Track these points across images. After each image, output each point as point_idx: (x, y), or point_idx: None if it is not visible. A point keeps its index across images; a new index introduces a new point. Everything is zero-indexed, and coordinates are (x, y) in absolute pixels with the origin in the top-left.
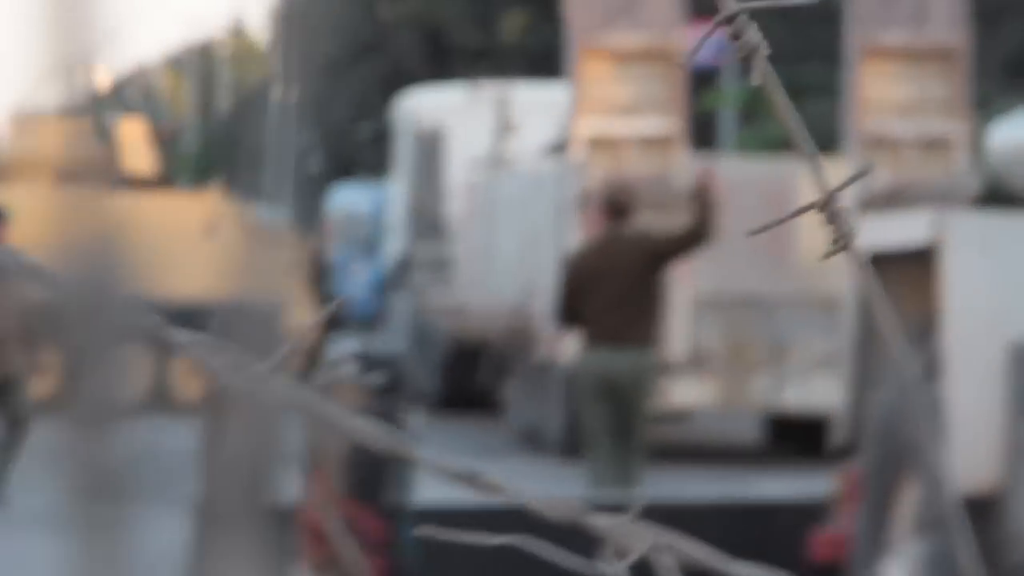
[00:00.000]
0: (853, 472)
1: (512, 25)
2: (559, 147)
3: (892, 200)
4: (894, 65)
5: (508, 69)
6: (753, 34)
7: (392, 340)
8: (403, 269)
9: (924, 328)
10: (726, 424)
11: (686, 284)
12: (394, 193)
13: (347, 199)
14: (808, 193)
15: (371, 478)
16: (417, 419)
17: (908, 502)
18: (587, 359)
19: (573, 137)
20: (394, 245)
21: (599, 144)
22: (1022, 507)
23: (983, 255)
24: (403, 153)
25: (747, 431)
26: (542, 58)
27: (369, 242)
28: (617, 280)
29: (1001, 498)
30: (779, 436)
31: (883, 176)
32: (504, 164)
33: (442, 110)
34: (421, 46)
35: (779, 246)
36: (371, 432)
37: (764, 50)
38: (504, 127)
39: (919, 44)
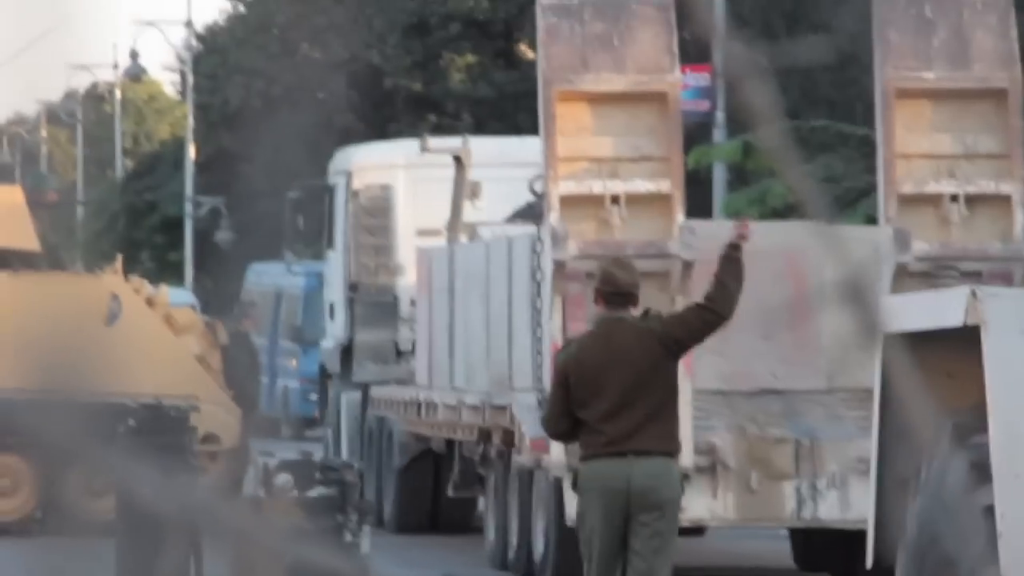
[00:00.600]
0: None
1: (458, 70)
2: (530, 210)
3: (938, 273)
4: (933, 110)
5: (457, 119)
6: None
7: (335, 443)
8: (345, 357)
9: (968, 424)
10: (746, 541)
11: (690, 374)
12: (333, 268)
13: (269, 276)
14: (831, 264)
15: None
16: (367, 537)
17: None
18: (592, 472)
19: (547, 198)
20: (334, 329)
21: (578, 205)
22: None
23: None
24: (342, 220)
25: (771, 548)
26: (493, 106)
27: (299, 327)
28: (628, 378)
29: None
30: (810, 554)
31: (925, 243)
32: (465, 232)
33: (389, 169)
34: (356, 94)
35: (802, 327)
36: (313, 555)
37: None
38: (463, 188)
39: (962, 84)
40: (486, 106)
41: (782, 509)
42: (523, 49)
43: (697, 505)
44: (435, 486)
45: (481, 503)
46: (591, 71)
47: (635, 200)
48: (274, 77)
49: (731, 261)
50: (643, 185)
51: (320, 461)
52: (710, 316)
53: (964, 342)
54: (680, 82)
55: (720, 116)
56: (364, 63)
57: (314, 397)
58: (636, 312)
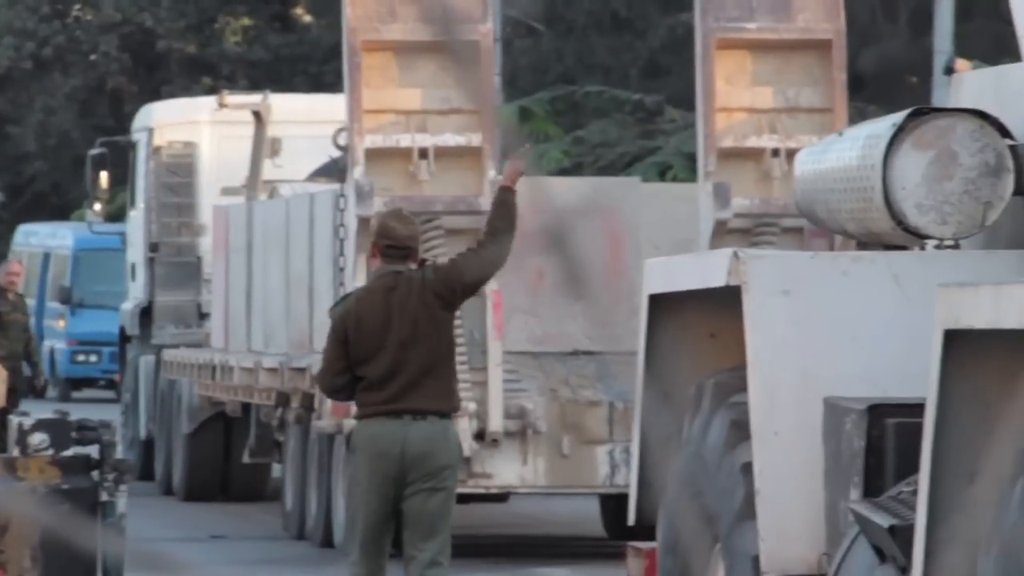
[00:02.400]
0: (648, 551)
1: (233, 32)
2: (332, 168)
3: (758, 230)
4: (754, 62)
5: (232, 81)
6: None
7: (133, 409)
8: (144, 320)
9: (728, 383)
10: (558, 506)
11: (500, 335)
12: (134, 227)
13: (37, 238)
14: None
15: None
16: (124, 497)
17: None
18: (366, 433)
19: (352, 152)
20: (135, 291)
21: (385, 159)
22: None
23: (788, 300)
24: (143, 178)
25: (583, 513)
26: (268, 69)
27: (67, 288)
28: (405, 333)
29: None
30: (621, 521)
31: (745, 199)
32: (264, 190)
33: (193, 125)
34: (129, 56)
35: (617, 287)
36: (60, 517)
37: None
38: (263, 145)
39: (785, 35)
40: (261, 69)
41: (595, 475)
42: (299, 13)
43: (506, 471)
44: (226, 452)
45: (277, 470)
46: (398, 20)
47: (444, 154)
48: (45, 38)
49: (502, 204)
50: (453, 138)
51: (77, 420)
52: (481, 261)
53: (727, 303)
54: (492, 32)
55: (497, 80)
56: (137, 25)
57: (81, 359)
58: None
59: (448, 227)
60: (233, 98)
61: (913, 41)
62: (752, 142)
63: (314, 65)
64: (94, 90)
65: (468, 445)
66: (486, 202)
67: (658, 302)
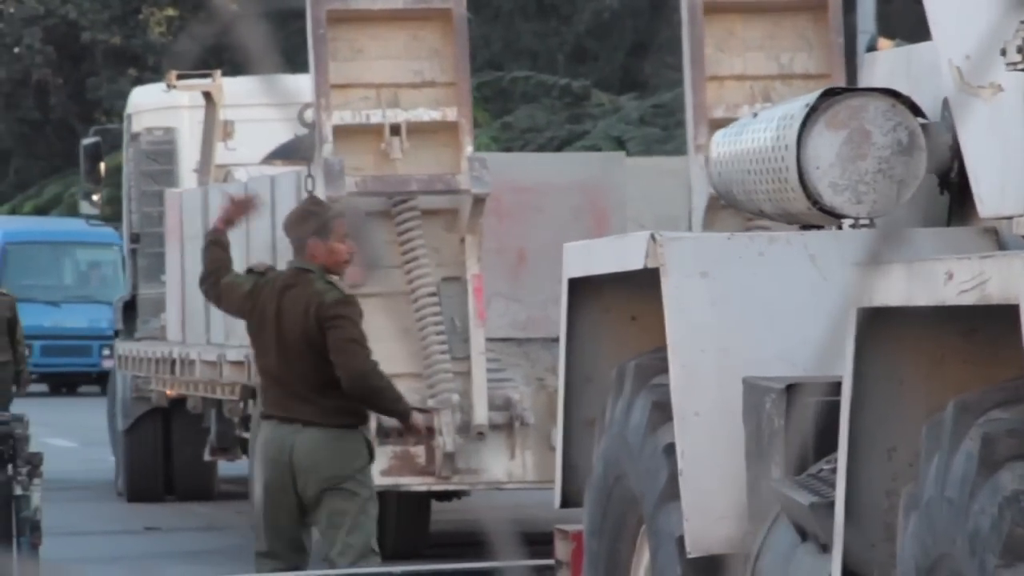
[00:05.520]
0: (575, 533)
1: (158, 23)
2: (290, 149)
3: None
4: (745, 26)
5: (157, 72)
6: None
7: (112, 406)
8: (128, 313)
9: (650, 365)
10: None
11: (483, 321)
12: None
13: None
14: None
15: None
16: (38, 490)
17: (638, 566)
18: (262, 437)
19: (319, 129)
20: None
21: (354, 137)
22: (764, 567)
23: (706, 281)
24: (129, 168)
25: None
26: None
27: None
28: (285, 339)
29: (741, 558)
30: None
31: None
32: (217, 175)
33: (174, 111)
34: (53, 48)
35: None
36: None
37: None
38: (215, 128)
39: None
40: (183, 59)
41: None
42: (223, 2)
43: (493, 466)
44: (166, 449)
45: (223, 467)
46: None
47: (418, 130)
48: None
49: (206, 247)
50: (427, 113)
51: None
52: (353, 372)
53: (646, 285)
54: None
55: None
56: (61, 17)
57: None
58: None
59: (424, 208)
60: (183, 80)
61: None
62: (745, 112)
63: (235, 53)
64: (19, 83)
65: (452, 440)
66: (464, 180)
67: (579, 286)
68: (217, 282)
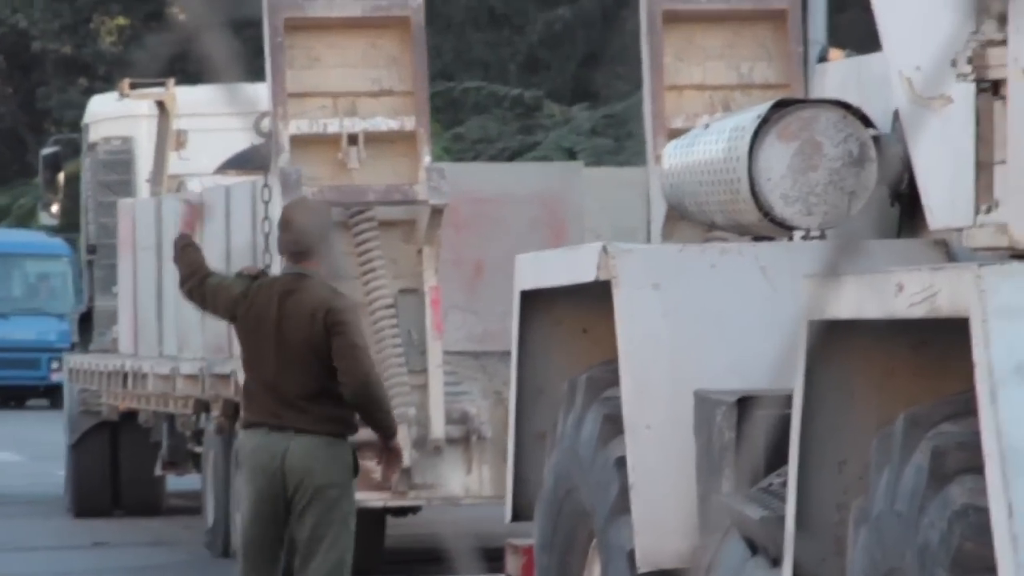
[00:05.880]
0: (526, 548)
1: (108, 32)
2: (243, 159)
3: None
4: (705, 36)
5: (108, 82)
6: None
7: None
8: (84, 325)
9: (601, 378)
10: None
11: (440, 334)
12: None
13: None
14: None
15: None
16: None
17: None
18: (249, 445)
19: (276, 139)
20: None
21: (311, 146)
22: None
23: (658, 293)
24: (86, 178)
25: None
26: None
27: None
28: (286, 346)
29: (692, 572)
30: None
31: None
32: (170, 185)
33: (132, 120)
34: (3, 58)
35: None
36: None
37: None
38: (167, 137)
39: (737, 5)
40: (139, 69)
41: None
42: (175, 12)
43: (450, 480)
44: (113, 464)
45: (174, 481)
46: None
47: (376, 139)
48: None
49: (180, 250)
50: (384, 123)
51: None
52: (359, 382)
53: (598, 297)
54: (423, 6)
55: None
56: (11, 27)
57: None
58: (318, 268)
59: (381, 218)
60: (136, 89)
61: None
62: (705, 122)
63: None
64: None
65: (408, 454)
66: (422, 190)
67: (530, 298)
68: (202, 283)
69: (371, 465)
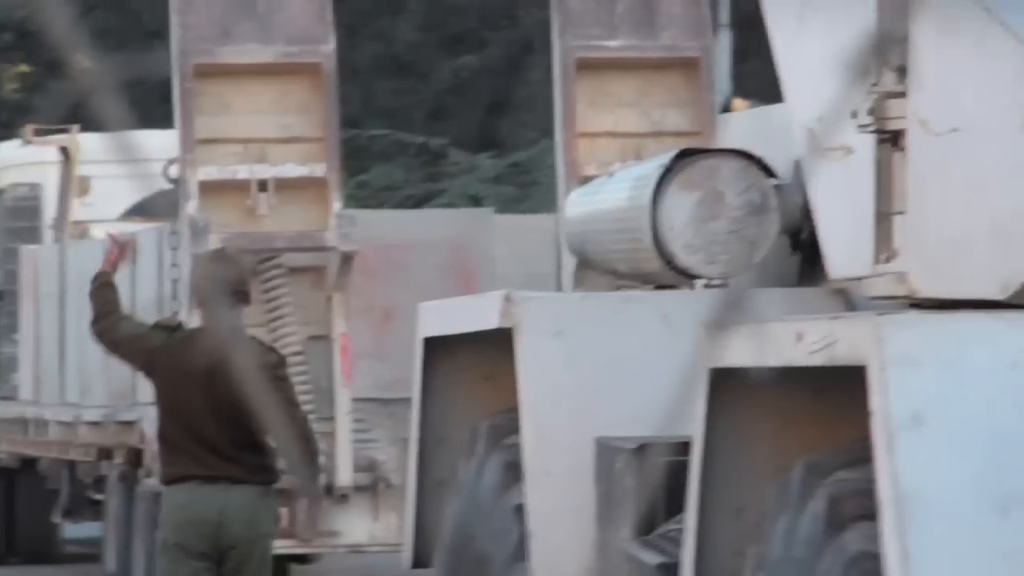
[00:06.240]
0: None
1: (10, 79)
2: (148, 206)
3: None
4: (617, 83)
5: (11, 128)
6: None
7: None
8: None
9: (502, 425)
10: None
11: (349, 381)
12: None
13: None
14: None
15: None
16: None
17: None
18: (179, 499)
19: (185, 185)
20: None
21: (220, 192)
22: None
23: (560, 341)
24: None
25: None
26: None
27: None
28: (218, 397)
29: None
30: None
31: None
32: (73, 231)
33: (39, 166)
34: None
35: None
36: None
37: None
38: (70, 184)
39: (649, 53)
40: (42, 115)
41: None
42: (79, 58)
43: (356, 528)
44: (7, 510)
45: (69, 529)
46: (233, 41)
47: (286, 186)
48: None
49: (96, 288)
50: (294, 169)
51: None
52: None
53: (500, 345)
54: (334, 53)
55: None
56: None
57: None
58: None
59: (290, 265)
60: (40, 135)
61: None
62: (614, 169)
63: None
64: None
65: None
66: (332, 237)
67: (433, 345)
68: (115, 326)
69: (282, 512)
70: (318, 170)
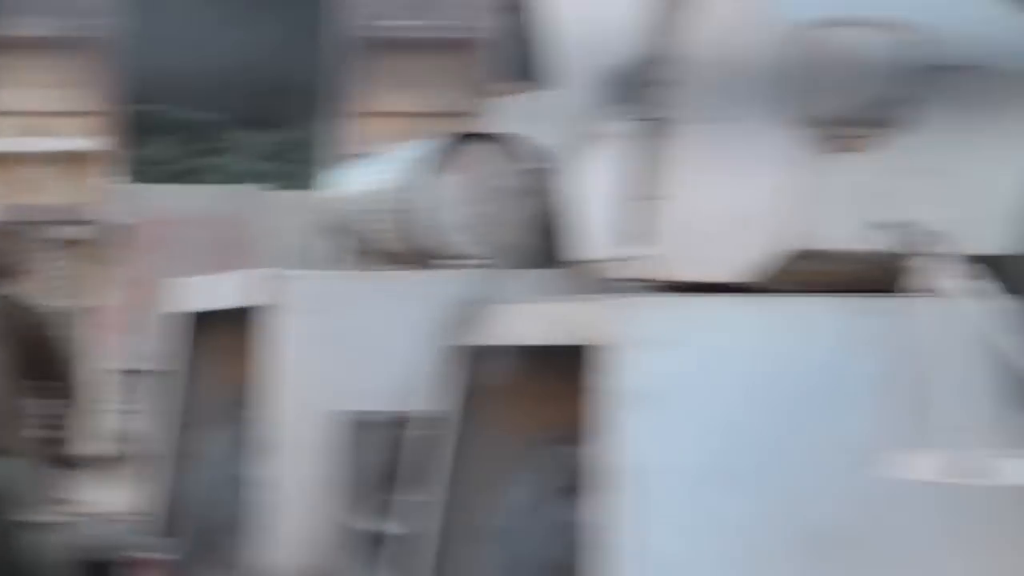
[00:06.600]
0: (164, 562)
1: None
2: None
3: None
4: (398, 62)
5: None
6: None
7: None
8: None
9: (243, 400)
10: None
11: (108, 351)
12: None
13: None
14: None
15: None
16: None
17: None
18: None
19: None
20: None
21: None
22: None
23: (315, 318)
24: None
25: None
26: None
27: None
28: None
29: None
30: None
31: None
32: None
33: None
34: None
35: None
36: None
37: None
38: None
39: (431, 34)
40: None
41: None
42: None
43: (104, 497)
44: None
45: None
46: (14, 15)
47: (61, 159)
48: None
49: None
50: (71, 142)
51: None
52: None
53: (250, 321)
54: (116, 27)
55: None
56: None
57: None
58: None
59: (64, 238)
60: None
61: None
62: (385, 150)
63: None
64: None
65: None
66: (106, 210)
67: (189, 320)
68: None
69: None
70: (94, 144)
